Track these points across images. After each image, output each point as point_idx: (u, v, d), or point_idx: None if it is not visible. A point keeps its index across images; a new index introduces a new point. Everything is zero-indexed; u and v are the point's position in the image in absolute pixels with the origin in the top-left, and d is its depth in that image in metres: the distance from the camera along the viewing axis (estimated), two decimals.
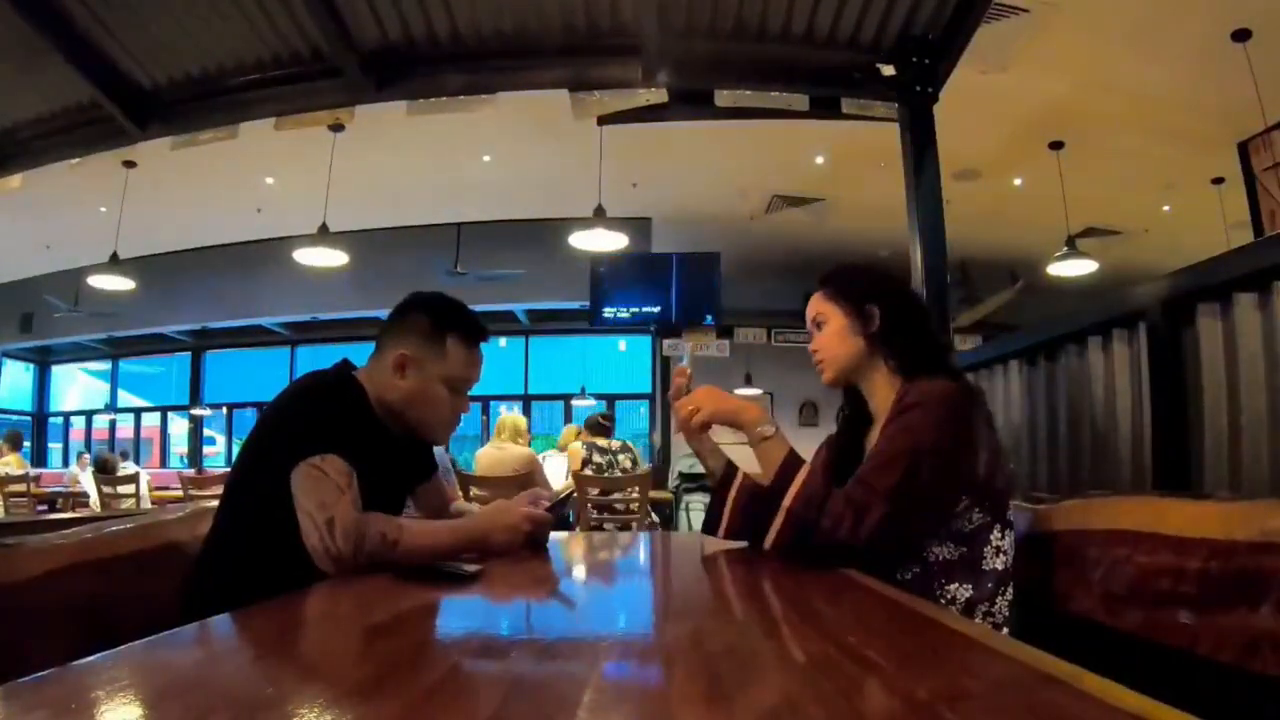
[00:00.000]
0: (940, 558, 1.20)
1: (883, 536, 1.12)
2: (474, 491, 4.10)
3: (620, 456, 4.47)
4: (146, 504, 5.82)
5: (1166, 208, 7.08)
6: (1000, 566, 1.21)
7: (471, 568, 1.04)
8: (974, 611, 1.18)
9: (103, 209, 6.79)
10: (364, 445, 1.23)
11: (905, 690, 0.54)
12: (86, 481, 6.17)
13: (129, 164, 5.92)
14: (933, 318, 1.38)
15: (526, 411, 9.58)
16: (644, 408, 9.71)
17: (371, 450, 1.26)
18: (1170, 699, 0.48)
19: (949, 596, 1.19)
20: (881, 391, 1.34)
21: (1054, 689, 0.54)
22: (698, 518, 6.61)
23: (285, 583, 0.99)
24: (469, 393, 1.42)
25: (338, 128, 4.83)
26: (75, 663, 0.58)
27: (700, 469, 5.63)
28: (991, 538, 1.21)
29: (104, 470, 5.97)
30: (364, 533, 1.13)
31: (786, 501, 1.19)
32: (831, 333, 1.36)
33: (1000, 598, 1.20)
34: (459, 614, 0.94)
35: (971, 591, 1.19)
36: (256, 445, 1.27)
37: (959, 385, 1.23)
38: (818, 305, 1.39)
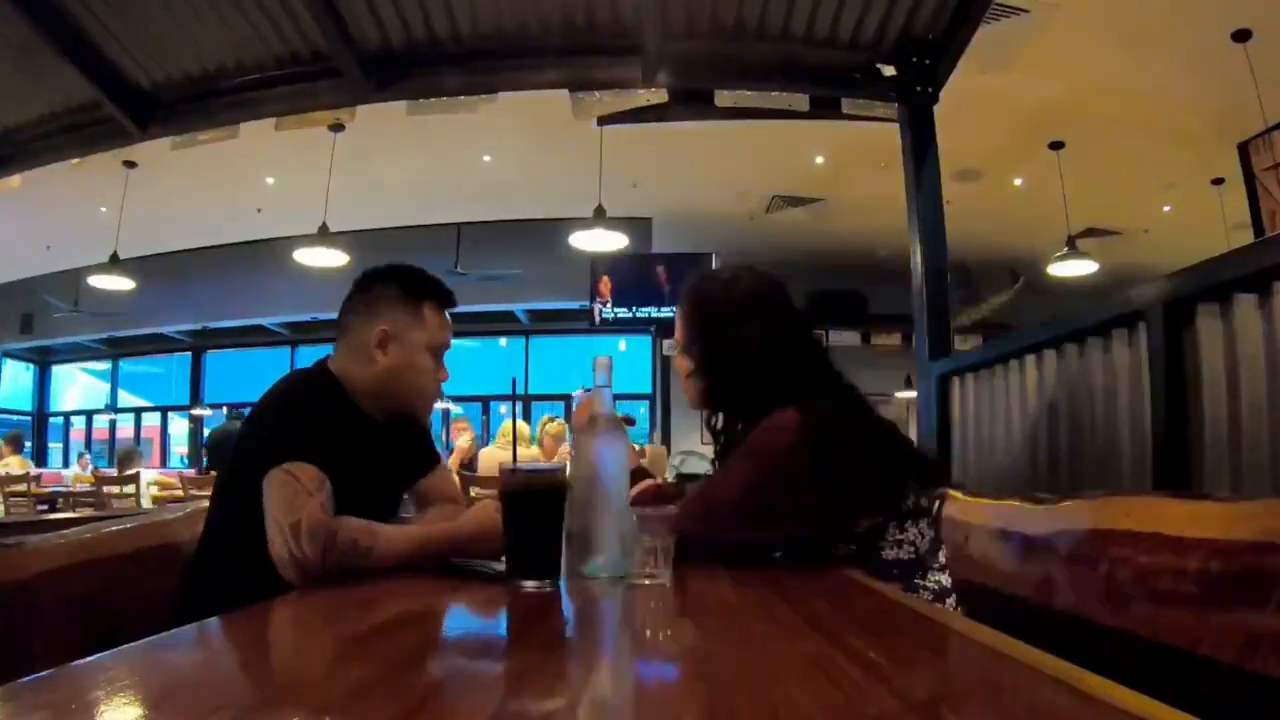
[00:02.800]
0: (840, 553, 1.23)
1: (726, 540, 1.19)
2: (475, 491, 4.10)
3: None
4: (146, 503, 5.82)
5: (1166, 208, 7.08)
6: (905, 555, 1.24)
7: (499, 566, 1.03)
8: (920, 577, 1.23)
9: (103, 209, 6.79)
10: (347, 444, 1.19)
11: (905, 690, 0.54)
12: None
13: (129, 164, 5.93)
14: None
15: (526, 411, 9.58)
16: (644, 408, 9.72)
17: (357, 448, 1.22)
18: (1170, 699, 0.48)
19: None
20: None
21: (1054, 689, 0.54)
22: None
23: (274, 585, 0.99)
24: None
25: (338, 128, 4.84)
26: (75, 663, 0.58)
27: (695, 470, 5.59)
28: (887, 534, 1.23)
29: (126, 464, 6.07)
30: (333, 537, 1.06)
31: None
32: (683, 369, 1.37)
33: (917, 579, 1.23)
34: (458, 614, 0.94)
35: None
36: (241, 448, 1.24)
37: (798, 422, 1.19)
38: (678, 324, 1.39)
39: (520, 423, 4.86)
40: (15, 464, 6.88)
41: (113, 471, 6.22)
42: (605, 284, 7.67)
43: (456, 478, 4.12)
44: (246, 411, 1.50)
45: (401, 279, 1.35)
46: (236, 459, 1.24)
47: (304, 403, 1.24)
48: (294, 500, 1.08)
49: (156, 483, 6.33)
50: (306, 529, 1.05)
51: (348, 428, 1.25)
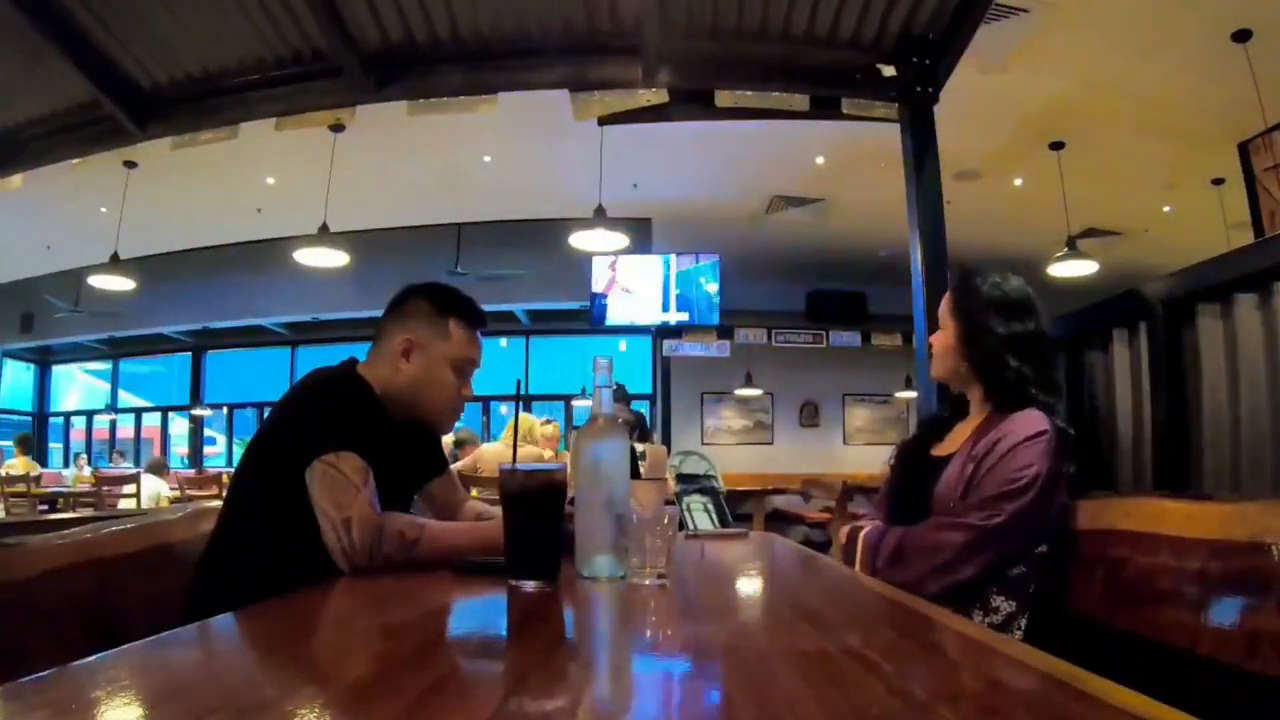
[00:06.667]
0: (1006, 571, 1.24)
1: (985, 565, 1.20)
2: (475, 491, 4.09)
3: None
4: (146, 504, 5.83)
5: (1167, 208, 7.08)
6: (1033, 587, 1.25)
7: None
8: (1010, 628, 1.21)
9: (103, 209, 6.79)
10: (375, 442, 1.23)
11: (905, 690, 0.54)
12: (153, 484, 6.13)
13: (129, 164, 5.92)
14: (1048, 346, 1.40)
15: (527, 412, 9.59)
16: (644, 408, 9.71)
17: (381, 446, 1.25)
18: (1170, 699, 0.48)
19: (993, 606, 1.22)
20: (974, 408, 1.38)
21: (1054, 689, 0.54)
22: (700, 519, 6.61)
23: (300, 581, 0.99)
24: (471, 380, 1.43)
25: (338, 128, 4.83)
26: (75, 663, 0.58)
27: (698, 470, 5.58)
28: (1036, 554, 1.25)
29: (155, 473, 6.11)
30: (381, 532, 1.13)
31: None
32: (942, 343, 1.41)
33: (1027, 611, 1.24)
34: (459, 614, 0.94)
35: (1014, 607, 1.22)
36: (268, 443, 1.26)
37: (1052, 424, 1.24)
38: (944, 305, 1.45)
39: (530, 417, 4.85)
40: (21, 465, 6.89)
41: (114, 470, 6.22)
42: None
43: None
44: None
45: (434, 294, 1.41)
46: (266, 453, 1.25)
47: (339, 396, 1.27)
48: (342, 495, 1.13)
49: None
50: (357, 525, 1.12)
51: (374, 426, 1.27)
